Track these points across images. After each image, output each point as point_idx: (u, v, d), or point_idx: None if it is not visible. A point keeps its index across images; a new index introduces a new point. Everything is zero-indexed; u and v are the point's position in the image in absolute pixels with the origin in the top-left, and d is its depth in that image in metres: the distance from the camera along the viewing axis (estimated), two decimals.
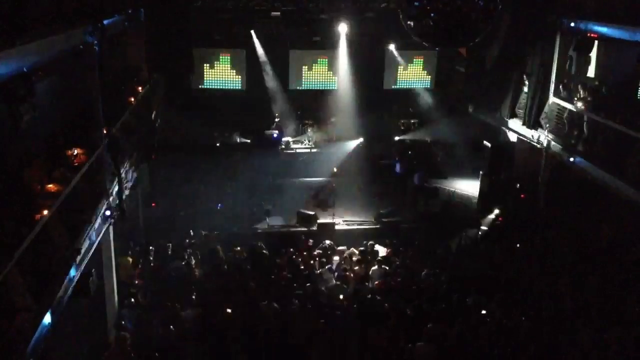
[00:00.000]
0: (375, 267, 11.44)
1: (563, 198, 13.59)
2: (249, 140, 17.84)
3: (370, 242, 12.69)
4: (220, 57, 17.79)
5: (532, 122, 13.83)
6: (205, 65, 17.71)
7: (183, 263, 11.34)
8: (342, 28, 17.11)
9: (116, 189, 9.53)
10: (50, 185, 7.43)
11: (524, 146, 15.00)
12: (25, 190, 7.01)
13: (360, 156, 17.85)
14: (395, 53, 18.40)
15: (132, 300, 9.96)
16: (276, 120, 17.97)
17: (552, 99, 13.31)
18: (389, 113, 18.95)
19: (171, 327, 8.90)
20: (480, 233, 14.18)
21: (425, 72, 18.93)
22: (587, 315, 9.42)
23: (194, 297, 10.20)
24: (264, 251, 12.20)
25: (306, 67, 18.35)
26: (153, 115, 13.23)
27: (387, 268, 11.37)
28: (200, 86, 17.89)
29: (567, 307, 9.77)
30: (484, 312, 9.74)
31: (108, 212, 9.05)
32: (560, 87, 13.29)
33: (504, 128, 15.98)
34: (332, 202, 15.49)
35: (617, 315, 9.28)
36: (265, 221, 14.70)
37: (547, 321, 9.30)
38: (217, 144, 17.54)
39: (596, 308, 9.60)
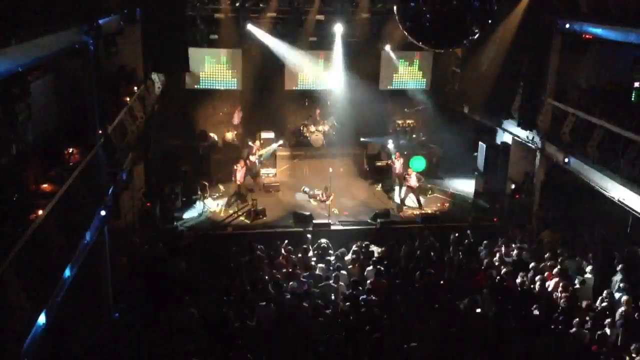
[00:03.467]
0: (370, 267, 11.45)
1: (557, 198, 13.64)
2: None
3: (365, 242, 12.70)
4: (217, 57, 17.70)
5: (527, 123, 13.88)
6: (201, 64, 17.63)
7: None
8: (338, 29, 17.07)
9: (111, 188, 9.53)
10: (45, 185, 7.43)
11: (518, 147, 15.07)
12: (20, 189, 7.01)
13: (357, 157, 17.81)
14: (391, 54, 18.39)
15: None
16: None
17: (547, 100, 13.36)
18: (385, 114, 18.95)
19: None
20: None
21: (421, 73, 18.92)
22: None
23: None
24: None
25: (302, 67, 18.30)
26: (149, 115, 13.22)
27: (382, 268, 11.37)
28: (195, 86, 17.81)
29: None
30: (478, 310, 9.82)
31: (103, 212, 9.04)
32: (555, 88, 13.34)
33: (499, 129, 16.04)
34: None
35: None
36: None
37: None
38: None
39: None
